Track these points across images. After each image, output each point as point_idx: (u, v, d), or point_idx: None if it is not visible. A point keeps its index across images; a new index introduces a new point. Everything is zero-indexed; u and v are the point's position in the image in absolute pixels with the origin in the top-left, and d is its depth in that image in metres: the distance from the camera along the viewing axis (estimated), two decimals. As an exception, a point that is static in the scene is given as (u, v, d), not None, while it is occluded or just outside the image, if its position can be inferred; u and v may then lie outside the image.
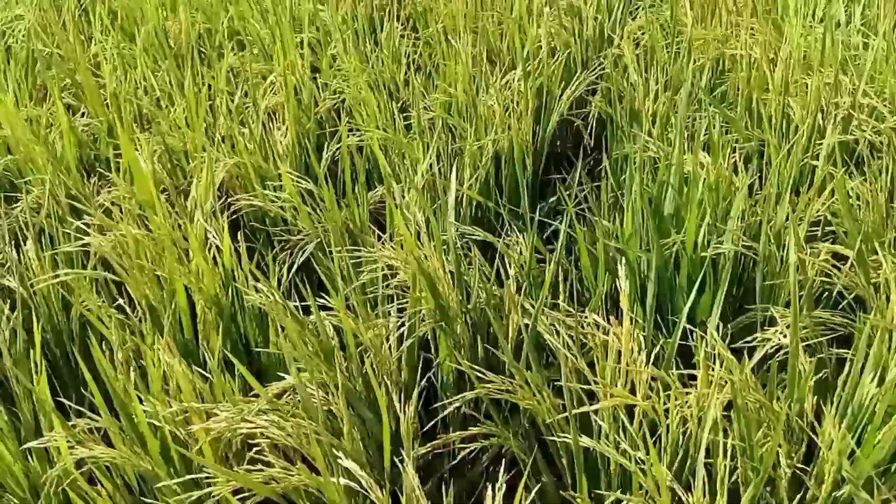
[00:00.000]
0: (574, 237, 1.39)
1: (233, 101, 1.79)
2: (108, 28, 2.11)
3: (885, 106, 1.62)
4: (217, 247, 1.30)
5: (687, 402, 0.99)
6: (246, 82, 1.96)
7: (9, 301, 1.39)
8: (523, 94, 1.77)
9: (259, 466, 1.03)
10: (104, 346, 1.19)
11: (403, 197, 1.39)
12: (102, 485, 1.13)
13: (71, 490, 1.09)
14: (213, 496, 1.02)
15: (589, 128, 2.00)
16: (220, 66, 1.94)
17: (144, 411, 1.09)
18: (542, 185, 1.77)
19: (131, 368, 1.18)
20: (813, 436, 0.98)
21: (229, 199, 1.52)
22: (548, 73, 1.94)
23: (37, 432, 1.24)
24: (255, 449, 1.05)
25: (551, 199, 1.67)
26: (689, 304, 1.24)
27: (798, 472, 0.98)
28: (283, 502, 1.05)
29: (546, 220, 1.53)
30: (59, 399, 1.26)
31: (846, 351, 1.14)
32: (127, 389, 1.12)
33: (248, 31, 2.17)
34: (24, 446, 1.15)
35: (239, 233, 1.43)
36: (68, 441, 1.09)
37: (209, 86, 1.90)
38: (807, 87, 1.79)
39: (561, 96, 1.89)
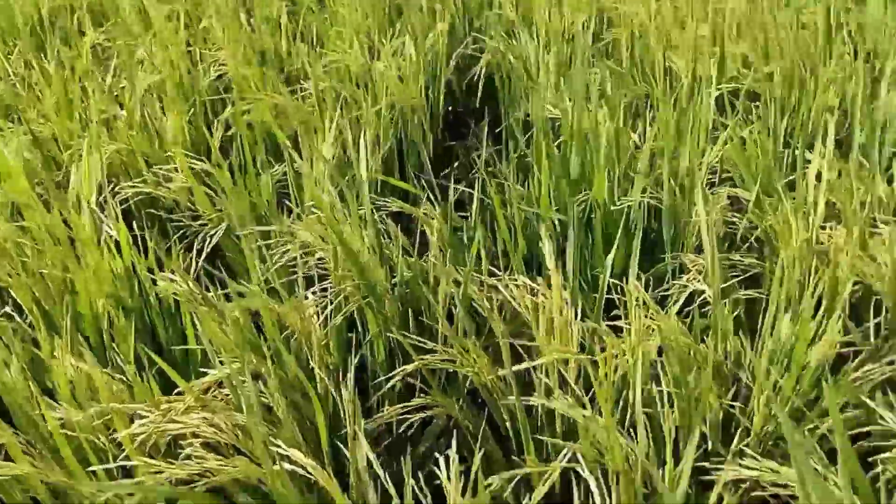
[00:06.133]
0: (485, 202, 1.38)
1: (104, 81, 1.65)
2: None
3: (757, 55, 1.71)
4: (112, 238, 1.20)
5: (623, 351, 1.01)
6: (109, 60, 1.81)
7: None
8: (415, 58, 1.73)
9: (193, 461, 0.96)
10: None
11: (311, 169, 1.33)
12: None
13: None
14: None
15: (480, 91, 2.00)
16: (83, 44, 1.78)
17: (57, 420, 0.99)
18: (447, 152, 1.75)
19: (28, 379, 1.07)
20: (742, 375, 1.03)
21: (116, 188, 1.40)
22: (435, 34, 1.91)
23: None
24: (186, 450, 0.98)
25: (456, 165, 1.66)
26: (610, 258, 1.27)
27: (729, 410, 1.03)
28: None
29: (456, 186, 1.51)
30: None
31: (756, 291, 1.20)
32: (32, 398, 1.02)
33: (107, 4, 2.01)
34: None
35: (134, 224, 1.33)
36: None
37: (72, 68, 1.74)
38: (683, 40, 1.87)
39: (449, 57, 1.87)
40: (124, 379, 1.06)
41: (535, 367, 1.06)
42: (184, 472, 0.94)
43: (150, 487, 0.93)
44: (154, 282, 1.14)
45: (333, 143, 1.38)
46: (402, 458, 1.04)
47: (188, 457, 0.96)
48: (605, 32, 2.01)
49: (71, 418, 1.00)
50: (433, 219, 1.29)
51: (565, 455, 0.93)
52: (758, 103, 1.63)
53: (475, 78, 1.94)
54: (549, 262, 1.11)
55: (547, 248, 1.15)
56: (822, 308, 1.03)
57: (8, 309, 1.26)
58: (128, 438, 0.97)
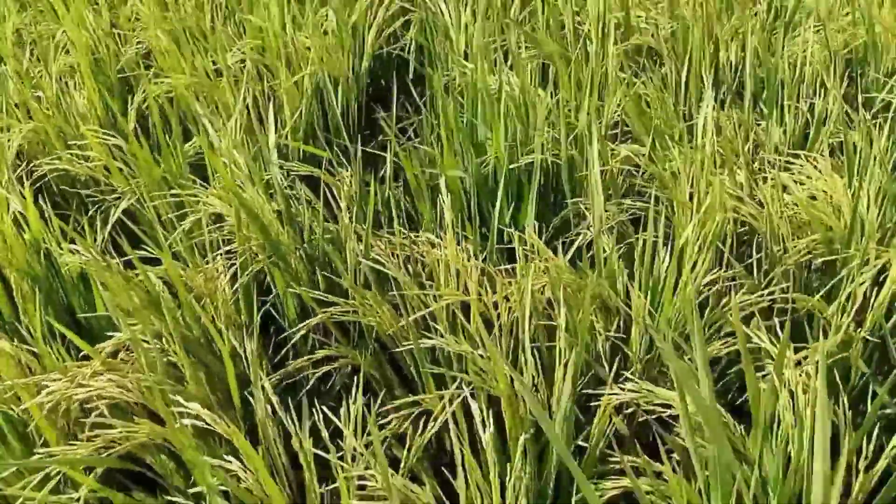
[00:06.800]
0: (402, 166, 1.42)
1: (21, 65, 1.66)
2: None
3: (660, 14, 1.75)
4: (23, 214, 1.22)
5: (512, 291, 1.06)
6: (32, 44, 1.81)
7: None
8: (338, 30, 1.76)
9: (97, 432, 0.99)
10: None
11: (221, 142, 1.36)
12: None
13: None
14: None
15: (404, 62, 2.02)
16: (4, 28, 1.78)
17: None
18: (371, 123, 1.79)
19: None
20: (624, 306, 1.08)
21: (31, 166, 1.42)
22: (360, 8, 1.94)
23: None
24: (95, 413, 1.02)
25: (380, 137, 1.69)
26: (509, 212, 1.32)
27: (618, 342, 1.09)
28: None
29: (375, 152, 1.54)
30: None
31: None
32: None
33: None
34: None
35: (40, 198, 1.35)
36: None
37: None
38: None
39: (371, 28, 1.89)
40: (34, 350, 1.09)
41: (435, 315, 1.11)
42: (91, 447, 0.97)
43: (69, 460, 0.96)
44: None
45: (240, 115, 1.41)
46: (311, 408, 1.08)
47: (94, 425, 0.99)
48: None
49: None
50: (341, 182, 1.33)
51: (456, 385, 0.98)
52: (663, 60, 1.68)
53: (404, 48, 1.97)
54: (447, 215, 1.15)
55: (447, 203, 1.20)
56: (696, 244, 1.09)
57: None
58: (36, 408, 1.00)
